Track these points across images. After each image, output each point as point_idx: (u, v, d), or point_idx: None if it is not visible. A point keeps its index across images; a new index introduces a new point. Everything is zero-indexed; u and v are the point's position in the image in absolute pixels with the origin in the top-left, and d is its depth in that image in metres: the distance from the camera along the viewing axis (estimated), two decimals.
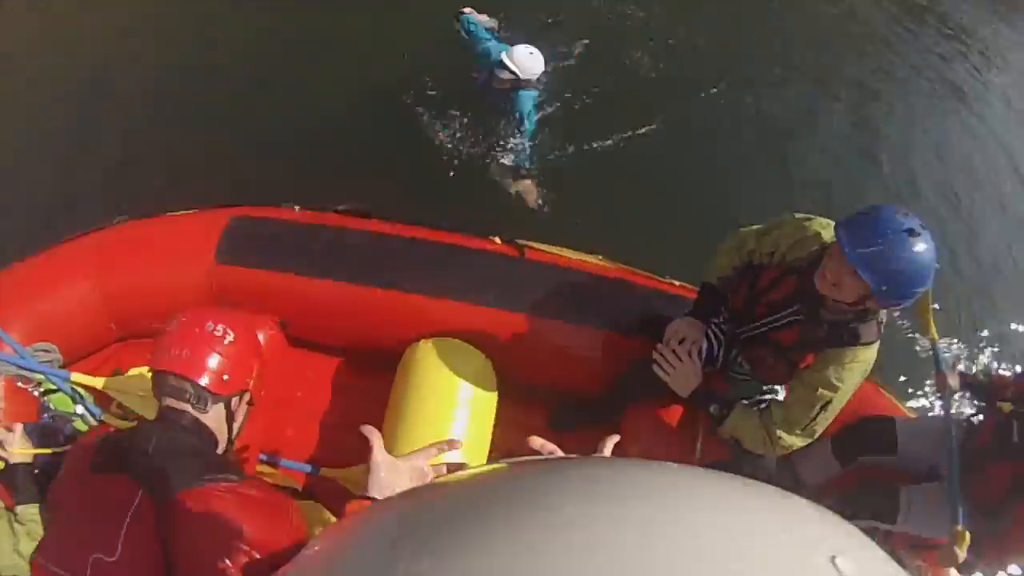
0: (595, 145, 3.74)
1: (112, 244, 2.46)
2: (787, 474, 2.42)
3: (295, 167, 3.44)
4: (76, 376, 2.39)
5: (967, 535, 1.90)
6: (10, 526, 1.92)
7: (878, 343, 1.82)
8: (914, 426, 2.28)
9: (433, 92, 3.80)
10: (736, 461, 2.16)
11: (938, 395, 2.23)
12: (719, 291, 2.09)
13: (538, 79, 3.48)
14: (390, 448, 2.10)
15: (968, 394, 2.35)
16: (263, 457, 2.36)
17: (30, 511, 1.99)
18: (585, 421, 2.46)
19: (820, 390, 1.82)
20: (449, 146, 3.67)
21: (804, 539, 0.58)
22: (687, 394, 2.03)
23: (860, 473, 2.29)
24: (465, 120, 3.73)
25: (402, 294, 2.33)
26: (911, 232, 1.58)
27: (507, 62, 3.28)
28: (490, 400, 2.31)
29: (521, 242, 2.51)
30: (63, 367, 2.45)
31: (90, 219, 2.53)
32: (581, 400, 2.47)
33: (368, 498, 0.96)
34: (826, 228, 1.85)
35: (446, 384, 2.21)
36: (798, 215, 1.91)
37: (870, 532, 2.15)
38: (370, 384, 2.41)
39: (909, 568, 2.14)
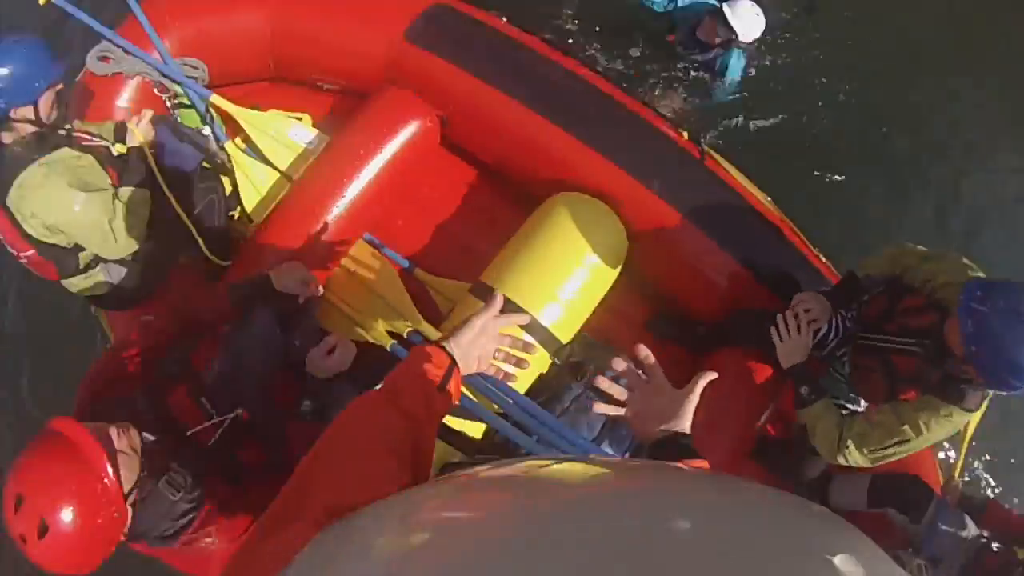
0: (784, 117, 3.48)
1: None
2: (818, 488, 2.40)
3: None
4: (216, 98, 2.29)
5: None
6: (112, 200, 1.88)
7: (978, 413, 1.81)
8: (945, 513, 2.19)
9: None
10: (790, 446, 2.21)
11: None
12: (861, 286, 2.06)
13: (750, 43, 3.15)
14: (498, 278, 1.95)
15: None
16: (367, 237, 2.19)
17: (130, 193, 1.94)
18: (678, 340, 2.40)
19: (906, 427, 1.81)
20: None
21: (802, 538, 0.60)
22: (788, 365, 2.01)
23: (879, 522, 2.20)
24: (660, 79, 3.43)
25: (569, 136, 2.18)
26: (1020, 315, 1.58)
27: (729, 16, 2.93)
28: (610, 275, 2.16)
29: (706, 146, 2.33)
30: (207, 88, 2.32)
31: None
32: (685, 318, 2.39)
33: (439, 345, 0.97)
34: None
35: (578, 243, 2.07)
36: (964, 260, 1.89)
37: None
38: (499, 214, 2.29)
39: (911, 568, 2.10)
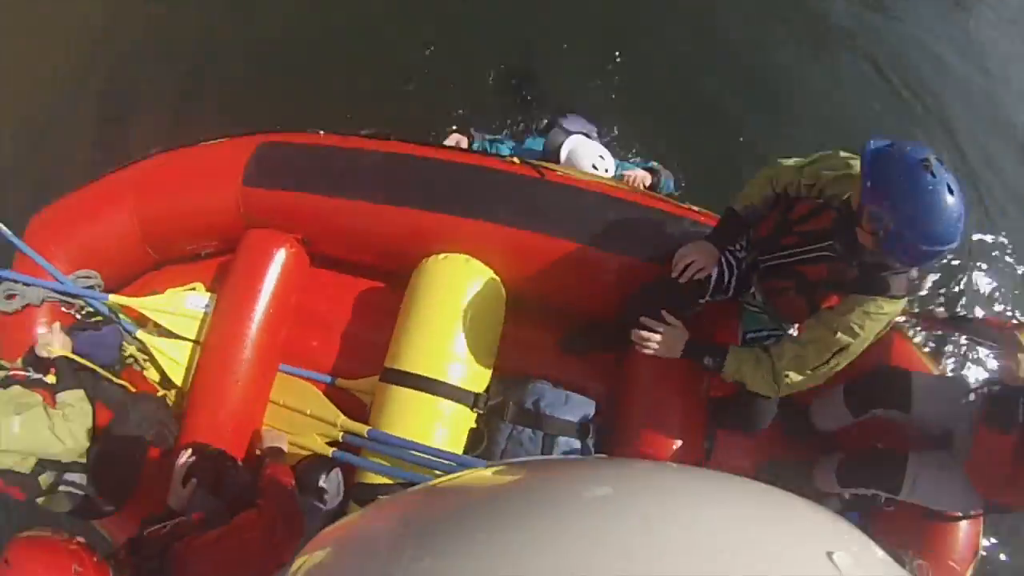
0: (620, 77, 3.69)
1: (147, 174, 2.58)
2: (800, 421, 2.39)
3: (323, 93, 3.50)
4: (114, 297, 2.53)
5: None
6: (45, 412, 2.08)
7: (904, 300, 1.76)
8: (931, 385, 2.19)
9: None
10: (740, 397, 2.11)
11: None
12: (743, 219, 2.03)
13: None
14: (397, 357, 2.19)
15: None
16: (282, 368, 2.43)
17: (70, 396, 2.17)
18: (597, 346, 2.45)
19: (839, 334, 1.76)
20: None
21: (802, 535, 0.64)
22: (678, 355, 1.99)
23: (873, 426, 2.23)
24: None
25: (417, 211, 2.36)
26: (925, 164, 1.53)
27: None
28: (495, 317, 2.32)
29: (540, 163, 2.51)
30: (106, 292, 2.58)
31: (128, 154, 2.67)
32: (593, 324, 2.45)
33: None
34: None
35: (451, 299, 2.24)
36: (843, 152, 1.84)
37: (875, 500, 2.19)
38: (388, 300, 2.45)
39: (910, 568, 2.08)
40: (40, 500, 2.17)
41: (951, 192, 1.53)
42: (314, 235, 2.50)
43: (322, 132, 2.57)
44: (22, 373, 2.22)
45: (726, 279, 2.08)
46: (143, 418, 2.30)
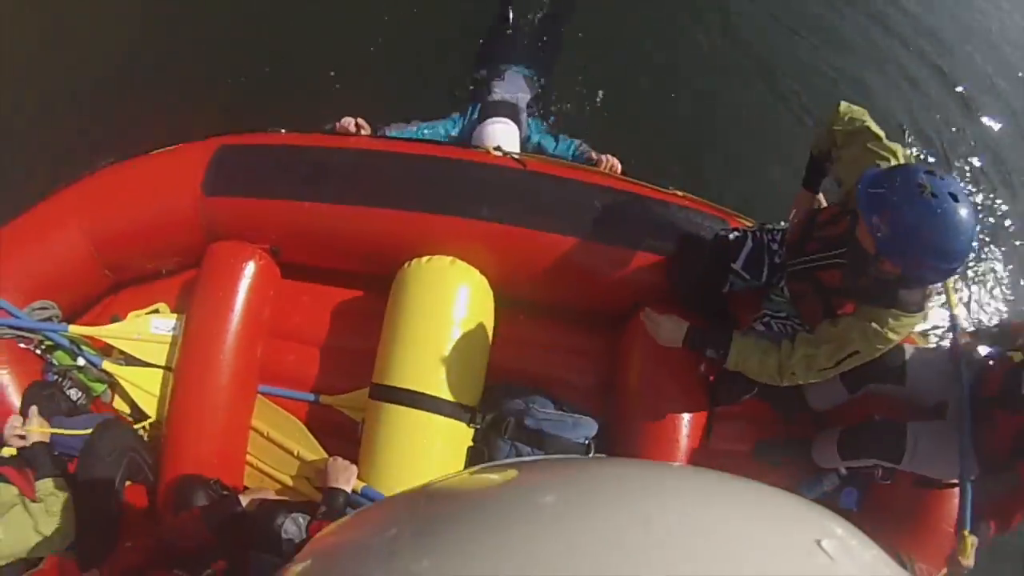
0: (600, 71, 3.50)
1: (97, 190, 2.39)
2: (792, 400, 2.38)
3: (280, 89, 3.29)
4: (73, 328, 2.34)
5: (972, 540, 1.89)
6: (26, 509, 1.91)
7: (922, 315, 1.74)
8: (924, 357, 2.20)
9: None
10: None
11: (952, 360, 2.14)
12: (819, 160, 2.00)
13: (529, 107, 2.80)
14: (385, 373, 2.02)
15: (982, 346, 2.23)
16: (261, 389, 2.27)
17: (49, 485, 1.99)
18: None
19: (854, 341, 1.76)
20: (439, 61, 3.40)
21: (793, 525, 0.69)
22: (679, 344, 1.99)
23: (867, 402, 2.23)
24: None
25: (393, 212, 2.21)
26: (922, 187, 1.50)
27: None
28: (485, 319, 2.21)
29: (520, 154, 2.36)
30: (64, 322, 2.39)
31: (75, 169, 2.46)
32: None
33: None
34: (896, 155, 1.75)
35: (438, 305, 2.12)
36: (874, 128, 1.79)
37: (876, 471, 2.22)
38: (368, 306, 2.31)
39: (910, 568, 2.10)
40: None
41: (957, 200, 1.50)
42: (284, 243, 2.33)
43: (283, 131, 2.37)
44: None
45: (765, 263, 2.07)
46: (112, 448, 2.11)
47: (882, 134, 1.80)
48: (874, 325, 1.71)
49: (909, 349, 2.18)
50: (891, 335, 1.72)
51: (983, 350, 2.15)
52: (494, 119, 2.60)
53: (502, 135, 2.54)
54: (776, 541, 0.66)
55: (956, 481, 2.13)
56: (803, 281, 1.96)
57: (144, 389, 2.32)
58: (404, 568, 0.62)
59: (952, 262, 1.54)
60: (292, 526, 1.77)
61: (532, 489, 0.82)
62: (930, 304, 1.73)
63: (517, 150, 2.51)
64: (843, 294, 1.83)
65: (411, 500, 0.91)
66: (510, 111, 2.68)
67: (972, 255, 1.56)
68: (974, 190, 3.51)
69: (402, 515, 0.78)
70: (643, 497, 0.75)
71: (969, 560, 1.88)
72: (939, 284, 1.81)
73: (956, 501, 2.19)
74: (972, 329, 2.22)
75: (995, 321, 3.13)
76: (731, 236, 2.14)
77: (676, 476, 1.02)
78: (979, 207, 3.46)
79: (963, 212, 1.49)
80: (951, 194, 1.49)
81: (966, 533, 1.89)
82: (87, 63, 3.45)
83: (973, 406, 2.03)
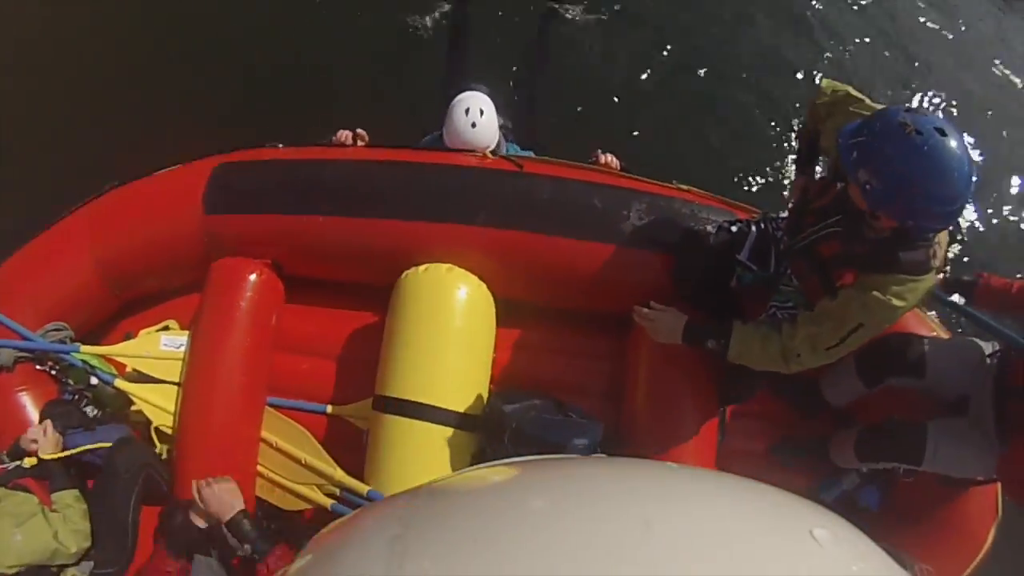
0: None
1: (103, 213, 2.43)
2: (810, 397, 2.34)
3: (277, 104, 3.33)
4: (86, 348, 2.38)
5: None
6: (45, 518, 1.95)
7: (931, 275, 1.63)
8: (944, 347, 2.12)
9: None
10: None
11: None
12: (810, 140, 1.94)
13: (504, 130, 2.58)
14: (386, 384, 2.02)
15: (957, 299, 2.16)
16: (270, 401, 2.29)
17: (66, 497, 2.04)
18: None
19: (854, 312, 1.66)
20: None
21: (785, 516, 0.71)
22: (679, 340, 1.92)
23: (887, 398, 2.16)
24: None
25: (389, 222, 2.22)
26: (904, 125, 1.39)
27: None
28: (485, 326, 2.20)
29: (515, 156, 2.35)
30: (78, 342, 2.44)
31: (81, 192, 2.50)
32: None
33: None
34: None
35: (436, 314, 2.11)
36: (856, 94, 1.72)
37: (893, 473, 2.20)
38: (370, 317, 2.34)
39: (911, 569, 2.03)
40: None
41: (945, 134, 1.39)
42: (285, 257, 2.35)
43: (280, 146, 2.38)
44: (6, 466, 2.06)
45: (771, 252, 2.02)
46: (129, 464, 2.15)
47: (865, 98, 1.73)
48: (875, 294, 1.61)
49: (929, 340, 2.11)
50: (895, 302, 1.61)
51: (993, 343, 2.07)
52: (461, 97, 2.39)
53: (475, 108, 2.35)
54: (770, 532, 0.68)
55: (982, 479, 2.10)
56: (805, 259, 1.88)
57: (157, 405, 2.34)
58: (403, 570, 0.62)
59: (950, 204, 1.44)
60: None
61: (527, 493, 0.83)
62: (935, 264, 1.61)
63: (495, 119, 2.40)
64: (842, 263, 1.74)
65: (411, 500, 0.90)
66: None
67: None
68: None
69: (401, 516, 0.78)
70: (640, 499, 0.75)
71: None
72: (944, 248, 1.67)
73: (982, 500, 2.17)
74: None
75: None
76: (733, 228, 2.10)
77: (673, 476, 1.02)
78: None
79: (953, 146, 1.39)
80: (937, 129, 1.39)
81: None
82: (87, 78, 3.50)
83: (997, 396, 1.94)
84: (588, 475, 0.90)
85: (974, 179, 1.41)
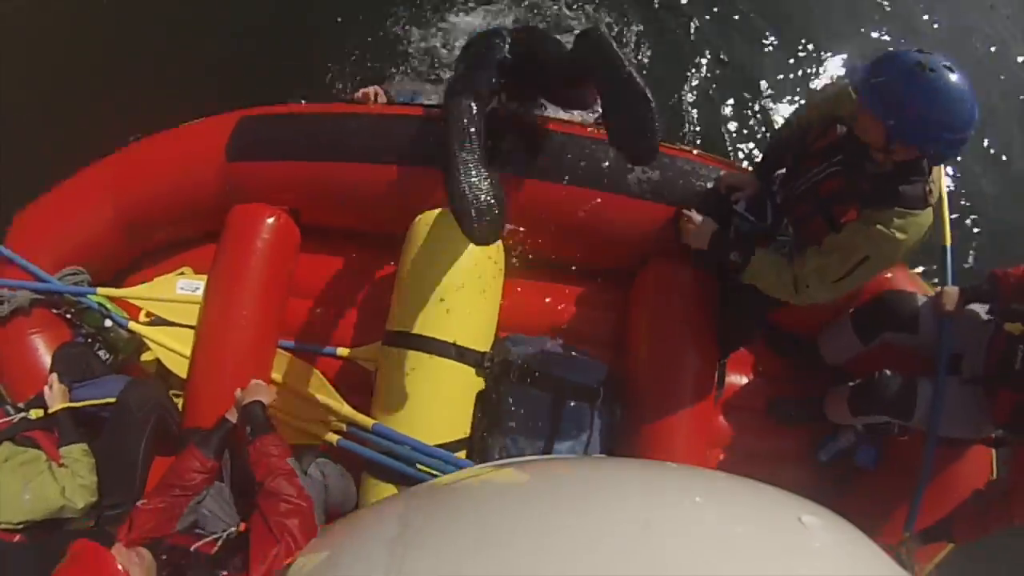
0: None
1: (127, 162, 2.51)
2: (810, 355, 2.42)
3: (301, 63, 3.32)
4: (102, 291, 2.43)
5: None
6: (52, 474, 1.94)
7: (929, 211, 1.74)
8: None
9: None
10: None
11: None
12: (780, 142, 2.10)
13: None
14: (397, 319, 2.10)
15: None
16: (283, 344, 2.32)
17: (74, 451, 2.02)
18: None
19: (861, 243, 1.75)
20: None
21: (774, 506, 0.75)
22: (705, 245, 2.02)
23: (882, 354, 2.21)
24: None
25: (408, 167, 2.28)
26: (920, 65, 1.55)
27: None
28: (495, 270, 2.22)
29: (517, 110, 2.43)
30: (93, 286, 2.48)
31: (102, 148, 2.58)
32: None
33: None
34: None
35: (447, 253, 2.13)
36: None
37: (888, 430, 2.24)
38: (384, 263, 2.40)
39: (909, 568, 2.06)
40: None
41: (952, 70, 1.55)
42: (303, 203, 2.41)
43: (303, 101, 2.48)
44: (12, 418, 2.05)
45: (768, 204, 2.12)
46: (142, 402, 2.15)
47: None
48: (879, 227, 1.71)
49: (922, 297, 2.18)
50: (899, 235, 1.71)
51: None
52: None
53: None
54: (762, 523, 0.71)
55: (977, 439, 2.14)
56: (807, 203, 1.96)
57: (171, 349, 2.37)
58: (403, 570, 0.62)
59: (963, 131, 1.58)
60: None
61: (526, 494, 0.84)
62: (931, 200, 1.73)
63: None
64: (845, 200, 1.82)
65: (410, 500, 0.92)
66: None
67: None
68: None
69: (401, 516, 0.78)
70: (639, 499, 0.77)
71: None
72: (938, 186, 1.78)
73: (978, 460, 2.21)
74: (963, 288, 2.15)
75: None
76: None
77: (672, 476, 1.07)
78: None
79: (960, 79, 1.55)
80: (945, 66, 1.55)
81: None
82: (115, 44, 3.53)
83: (988, 361, 2.01)
84: (586, 476, 0.91)
85: (978, 107, 1.57)
